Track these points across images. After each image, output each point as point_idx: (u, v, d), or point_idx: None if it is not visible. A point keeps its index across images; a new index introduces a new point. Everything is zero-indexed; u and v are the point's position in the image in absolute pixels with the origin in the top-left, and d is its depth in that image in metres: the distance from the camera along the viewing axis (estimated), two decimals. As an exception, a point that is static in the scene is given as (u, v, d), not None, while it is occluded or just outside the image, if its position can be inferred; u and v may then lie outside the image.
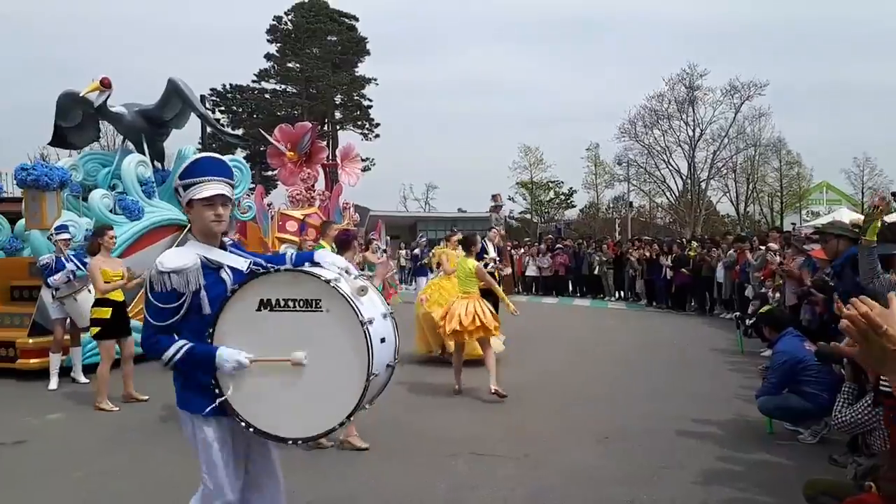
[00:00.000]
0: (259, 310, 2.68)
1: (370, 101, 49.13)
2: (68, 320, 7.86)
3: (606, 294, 19.13)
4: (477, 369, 7.67)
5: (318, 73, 45.59)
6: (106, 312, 6.77)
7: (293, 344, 2.63)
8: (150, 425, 6.07)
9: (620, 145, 42.48)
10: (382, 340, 2.74)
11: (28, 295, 8.77)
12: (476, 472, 4.76)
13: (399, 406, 6.54)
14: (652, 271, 16.70)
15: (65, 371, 7.90)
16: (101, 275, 6.67)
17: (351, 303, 2.63)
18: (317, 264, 2.84)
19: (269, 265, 2.81)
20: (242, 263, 2.82)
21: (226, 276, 2.75)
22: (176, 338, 2.67)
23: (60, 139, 10.99)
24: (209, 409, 2.69)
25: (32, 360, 8.12)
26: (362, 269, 8.12)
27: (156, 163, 10.81)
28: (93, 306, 6.89)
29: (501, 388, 6.85)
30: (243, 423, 2.68)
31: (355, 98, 48.74)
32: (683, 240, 20.29)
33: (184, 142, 14.67)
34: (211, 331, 2.68)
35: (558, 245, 21.19)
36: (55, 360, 7.82)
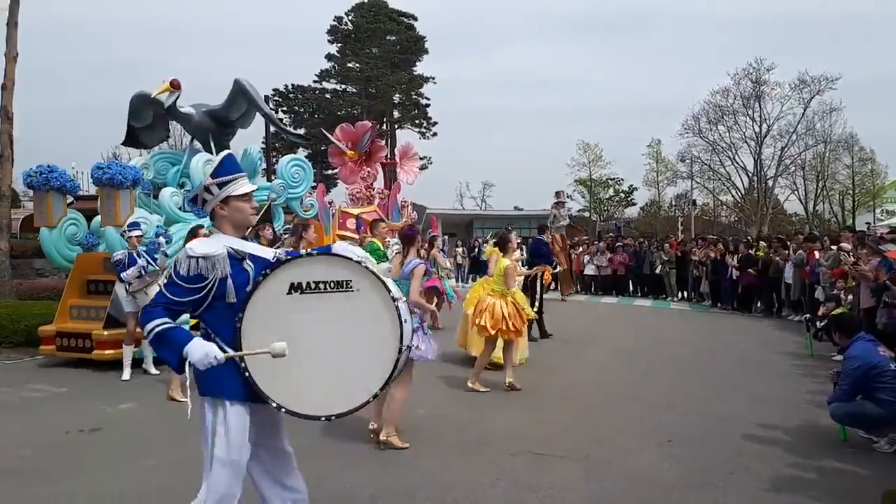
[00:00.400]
0: (290, 293, 2.80)
1: (428, 99, 49.44)
2: (140, 313, 8.16)
3: (669, 294, 18.73)
4: (532, 370, 7.63)
5: (378, 72, 46.07)
6: None
7: (323, 325, 2.78)
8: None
9: (683, 142, 41.57)
10: (405, 322, 2.85)
11: (103, 289, 9.12)
12: (536, 472, 4.73)
13: (458, 403, 6.57)
14: (717, 271, 16.27)
15: (137, 362, 8.21)
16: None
17: (382, 281, 2.81)
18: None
19: (295, 254, 2.97)
20: (269, 254, 2.97)
21: (248, 266, 2.86)
22: (165, 315, 2.74)
23: (133, 139, 11.41)
24: (237, 392, 2.78)
25: (107, 352, 8.44)
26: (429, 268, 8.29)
27: (222, 161, 11.10)
28: None
29: (517, 383, 7.11)
30: (274, 405, 2.76)
31: (413, 97, 49.07)
32: (750, 239, 19.70)
33: (248, 141, 15.09)
34: (241, 315, 2.78)
35: (618, 243, 20.83)
36: (128, 352, 8.13)
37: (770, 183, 39.80)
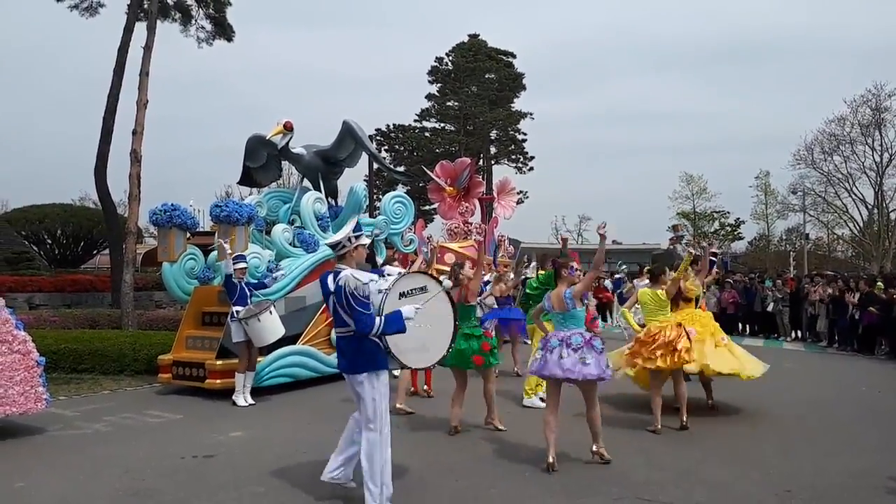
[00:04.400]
0: (399, 298, 4.70)
1: (524, 134, 49.55)
2: (249, 342, 8.57)
3: (782, 333, 17.74)
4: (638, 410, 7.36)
5: (476, 110, 46.72)
6: None
7: (421, 313, 4.62)
8: (322, 447, 6.39)
9: (795, 173, 39.54)
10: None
11: (217, 320, 9.56)
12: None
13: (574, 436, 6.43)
14: (836, 310, 15.29)
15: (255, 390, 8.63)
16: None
17: (437, 281, 5.02)
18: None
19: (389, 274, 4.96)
20: (375, 276, 4.76)
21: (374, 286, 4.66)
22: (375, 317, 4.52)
23: (248, 178, 12.03)
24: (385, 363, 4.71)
25: (218, 381, 8.80)
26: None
27: (330, 199, 11.50)
28: None
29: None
30: (403, 365, 4.89)
31: (510, 132, 49.35)
32: (870, 275, 18.42)
33: (351, 178, 15.59)
34: (380, 313, 4.55)
35: (727, 279, 19.89)
36: (239, 379, 8.52)
37: (893, 216, 37.23)
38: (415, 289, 4.75)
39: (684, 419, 7.13)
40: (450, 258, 15.06)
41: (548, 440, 5.63)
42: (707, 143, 76.07)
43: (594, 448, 5.84)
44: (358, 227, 4.76)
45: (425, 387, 9.08)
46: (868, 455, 6.18)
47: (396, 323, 4.47)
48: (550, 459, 5.56)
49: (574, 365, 5.49)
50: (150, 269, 23.54)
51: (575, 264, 5.97)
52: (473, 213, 17.53)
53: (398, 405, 7.68)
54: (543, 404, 7.86)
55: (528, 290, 8.78)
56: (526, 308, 8.81)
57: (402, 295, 4.68)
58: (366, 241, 4.79)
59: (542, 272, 8.58)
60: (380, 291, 4.61)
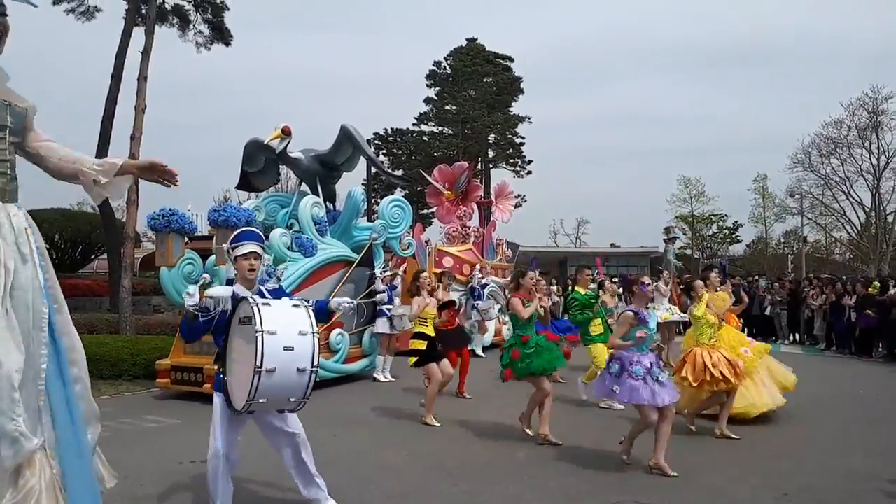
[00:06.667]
0: (239, 323, 4.08)
1: (522, 138, 49.63)
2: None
3: (780, 336, 17.78)
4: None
5: (474, 113, 46.77)
6: (422, 344, 7.78)
7: (245, 347, 3.91)
8: (320, 452, 6.39)
9: (793, 176, 39.72)
10: (289, 349, 3.79)
11: (215, 325, 9.54)
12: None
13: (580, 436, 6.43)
14: (833, 313, 15.32)
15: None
16: (418, 309, 7.86)
17: (256, 315, 3.79)
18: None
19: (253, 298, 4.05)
20: (227, 291, 4.27)
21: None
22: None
23: (246, 183, 12.03)
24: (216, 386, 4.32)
25: (217, 386, 8.81)
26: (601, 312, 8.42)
27: (328, 203, 11.50)
28: (412, 338, 7.97)
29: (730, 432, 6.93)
30: (225, 397, 4.19)
31: (508, 136, 49.41)
32: (867, 278, 18.46)
33: (349, 182, 15.60)
34: (224, 337, 4.23)
35: (722, 283, 19.88)
36: (379, 361, 9.54)
37: (890, 218, 37.31)
38: (245, 317, 4.00)
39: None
40: (448, 261, 15.11)
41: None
42: (705, 145, 76.39)
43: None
44: (236, 238, 4.44)
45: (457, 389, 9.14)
46: (866, 458, 6.18)
47: (190, 324, 4.29)
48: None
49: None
50: (149, 274, 23.50)
51: (647, 279, 5.95)
52: (471, 217, 17.56)
53: (425, 420, 7.64)
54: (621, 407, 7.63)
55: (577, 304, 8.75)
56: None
57: (240, 321, 4.10)
58: (242, 250, 4.34)
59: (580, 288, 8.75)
60: (229, 313, 4.19)
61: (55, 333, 3.08)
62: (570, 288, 10.31)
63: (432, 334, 7.95)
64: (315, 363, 3.89)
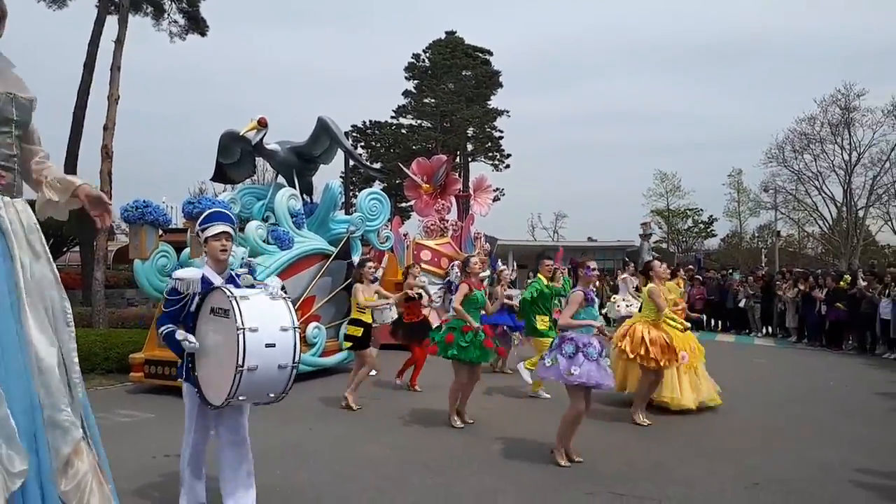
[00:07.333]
0: (210, 313, 3.91)
1: (501, 132, 49.69)
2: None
3: (753, 329, 18.02)
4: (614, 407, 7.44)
5: (453, 107, 46.74)
6: (359, 331, 7.97)
7: (221, 341, 3.78)
8: (295, 446, 6.36)
9: (766, 171, 40.16)
10: (271, 346, 3.68)
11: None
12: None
13: (544, 435, 6.47)
14: (805, 306, 15.57)
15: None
16: (363, 298, 8.02)
17: (235, 312, 3.64)
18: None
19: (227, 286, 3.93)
20: (197, 273, 4.09)
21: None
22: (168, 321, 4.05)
23: (221, 175, 11.89)
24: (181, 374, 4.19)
25: (192, 379, 8.74)
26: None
27: (305, 196, 11.42)
28: (349, 324, 8.16)
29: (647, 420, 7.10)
30: (197, 391, 4.03)
31: (487, 130, 49.44)
32: (837, 272, 18.77)
33: (327, 175, 15.53)
34: (192, 324, 4.02)
35: (696, 276, 20.07)
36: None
37: (861, 213, 37.93)
38: (221, 309, 3.82)
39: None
40: (426, 255, 15.09)
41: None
42: (681, 141, 77.01)
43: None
44: (206, 219, 4.22)
45: (407, 380, 9.11)
46: (837, 449, 6.30)
47: (171, 344, 4.04)
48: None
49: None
50: (122, 267, 23.24)
51: (593, 264, 6.00)
52: (450, 211, 17.54)
53: (349, 403, 7.97)
54: (548, 396, 8.15)
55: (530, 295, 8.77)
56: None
57: (213, 311, 3.91)
58: (213, 231, 4.12)
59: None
60: (200, 300, 4.02)
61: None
62: (529, 277, 10.41)
63: (369, 321, 8.13)
64: (296, 359, 3.81)
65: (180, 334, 3.92)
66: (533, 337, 8.69)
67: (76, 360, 3.03)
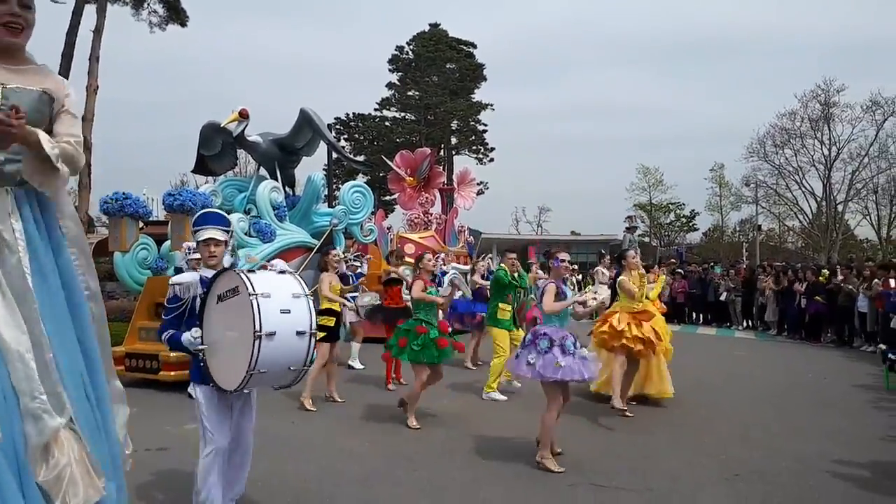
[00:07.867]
0: (217, 302, 3.78)
1: (485, 125, 49.69)
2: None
3: (734, 322, 18.20)
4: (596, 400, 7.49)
5: (437, 100, 46.64)
6: (331, 321, 7.76)
7: (233, 320, 3.61)
8: (275, 439, 6.33)
9: (748, 166, 40.58)
10: (286, 311, 3.57)
11: (171, 311, 9.35)
12: (597, 505, 4.63)
13: (525, 428, 6.49)
14: (785, 299, 15.74)
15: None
16: (328, 287, 7.79)
17: (244, 281, 3.56)
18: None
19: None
20: (194, 277, 4.05)
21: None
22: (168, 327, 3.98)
23: (202, 166, 11.80)
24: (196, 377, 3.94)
25: (172, 373, 8.61)
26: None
27: (287, 188, 11.36)
28: (319, 315, 7.67)
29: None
30: (211, 384, 3.80)
31: (471, 123, 49.41)
32: (817, 266, 19.00)
33: (310, 167, 15.45)
34: (199, 321, 3.87)
35: (678, 269, 20.23)
36: (356, 348, 9.44)
37: (840, 208, 38.42)
38: (228, 290, 3.70)
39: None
40: (409, 248, 15.07)
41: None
42: (665, 136, 77.43)
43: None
44: (196, 222, 4.15)
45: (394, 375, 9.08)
46: (815, 440, 6.38)
47: (178, 348, 3.97)
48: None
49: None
50: (102, 260, 22.93)
51: (564, 255, 5.85)
52: (434, 204, 17.53)
53: (304, 401, 7.67)
54: (504, 398, 7.98)
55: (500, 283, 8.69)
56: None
57: (219, 298, 3.77)
58: (200, 236, 4.09)
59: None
60: (204, 293, 3.91)
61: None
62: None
63: (339, 311, 8.02)
64: (314, 326, 3.68)
65: (185, 336, 3.85)
66: (490, 326, 8.61)
67: (80, 357, 3.05)
